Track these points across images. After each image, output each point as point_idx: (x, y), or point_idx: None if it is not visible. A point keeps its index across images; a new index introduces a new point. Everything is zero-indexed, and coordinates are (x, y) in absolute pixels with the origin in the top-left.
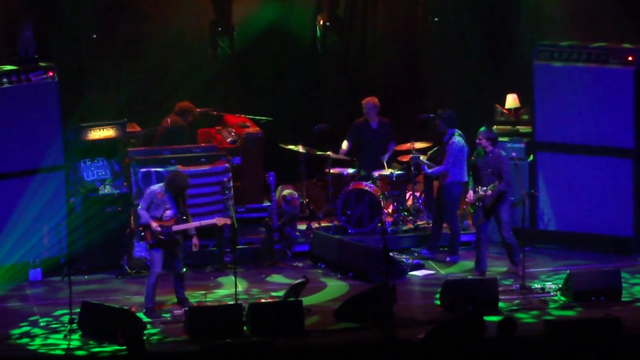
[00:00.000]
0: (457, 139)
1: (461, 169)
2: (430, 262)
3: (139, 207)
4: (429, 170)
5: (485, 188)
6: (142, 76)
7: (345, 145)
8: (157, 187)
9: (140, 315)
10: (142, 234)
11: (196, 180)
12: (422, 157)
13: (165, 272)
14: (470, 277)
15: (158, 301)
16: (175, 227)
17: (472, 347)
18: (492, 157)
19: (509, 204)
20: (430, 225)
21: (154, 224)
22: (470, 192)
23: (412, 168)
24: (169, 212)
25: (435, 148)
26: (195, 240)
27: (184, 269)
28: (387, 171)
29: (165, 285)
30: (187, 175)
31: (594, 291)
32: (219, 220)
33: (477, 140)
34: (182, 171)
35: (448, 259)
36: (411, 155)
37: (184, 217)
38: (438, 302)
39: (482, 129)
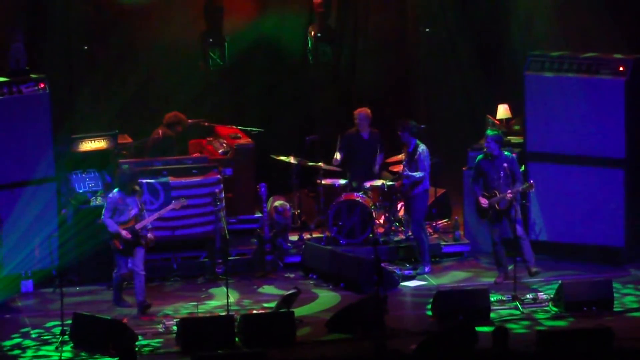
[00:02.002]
0: (424, 146)
1: (428, 178)
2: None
3: (103, 217)
4: (413, 175)
5: (509, 191)
6: (133, 88)
7: (338, 155)
8: (115, 193)
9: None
10: (111, 242)
11: (187, 191)
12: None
13: (157, 283)
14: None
15: (148, 312)
16: (139, 225)
17: (464, 357)
18: (504, 159)
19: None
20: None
21: (124, 232)
22: (482, 199)
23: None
24: (132, 212)
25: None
26: (150, 236)
27: (144, 272)
28: (378, 182)
29: (156, 296)
30: (137, 169)
31: (586, 301)
32: (175, 204)
33: (486, 144)
34: (127, 166)
35: (427, 269)
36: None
37: (143, 213)
38: (430, 313)
39: (489, 132)
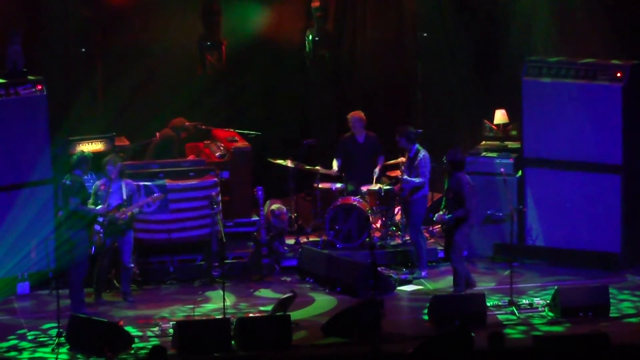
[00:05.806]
0: (425, 152)
1: (428, 183)
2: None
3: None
4: (410, 180)
5: (442, 212)
6: (130, 90)
7: (335, 165)
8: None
9: (129, 329)
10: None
11: (184, 194)
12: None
13: (154, 286)
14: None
15: (145, 315)
16: (119, 215)
17: None
18: (454, 181)
19: (468, 230)
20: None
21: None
22: (438, 214)
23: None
24: (114, 202)
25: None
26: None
27: (132, 265)
28: (375, 186)
29: (152, 299)
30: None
31: (582, 307)
32: (152, 198)
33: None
34: (86, 152)
35: (423, 274)
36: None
37: (125, 202)
38: (426, 317)
39: (451, 151)
